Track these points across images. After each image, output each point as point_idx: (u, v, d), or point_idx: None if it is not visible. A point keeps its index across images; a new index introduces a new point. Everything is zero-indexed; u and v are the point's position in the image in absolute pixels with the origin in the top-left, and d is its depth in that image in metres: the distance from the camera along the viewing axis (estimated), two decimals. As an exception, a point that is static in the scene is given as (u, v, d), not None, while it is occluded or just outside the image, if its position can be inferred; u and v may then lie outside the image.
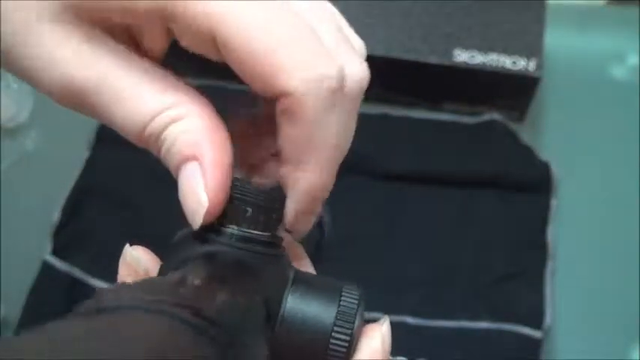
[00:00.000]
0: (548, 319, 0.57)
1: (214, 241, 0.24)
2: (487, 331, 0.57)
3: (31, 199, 0.64)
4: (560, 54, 0.68)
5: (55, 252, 0.60)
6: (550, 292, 0.59)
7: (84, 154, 0.65)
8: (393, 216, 0.63)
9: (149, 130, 0.23)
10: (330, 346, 0.24)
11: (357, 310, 0.25)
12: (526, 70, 0.62)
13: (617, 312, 0.59)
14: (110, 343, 0.16)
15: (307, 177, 0.24)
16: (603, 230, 0.62)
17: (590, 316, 0.59)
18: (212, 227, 0.24)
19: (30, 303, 0.58)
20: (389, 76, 0.64)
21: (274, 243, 0.25)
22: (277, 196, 0.25)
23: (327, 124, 0.23)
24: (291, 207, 0.25)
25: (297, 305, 0.24)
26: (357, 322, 0.24)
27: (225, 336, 0.19)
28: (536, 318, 0.57)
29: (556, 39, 0.66)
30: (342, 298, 0.25)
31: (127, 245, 0.26)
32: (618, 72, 0.69)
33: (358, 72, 0.24)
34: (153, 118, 0.23)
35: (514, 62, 0.62)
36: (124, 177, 0.64)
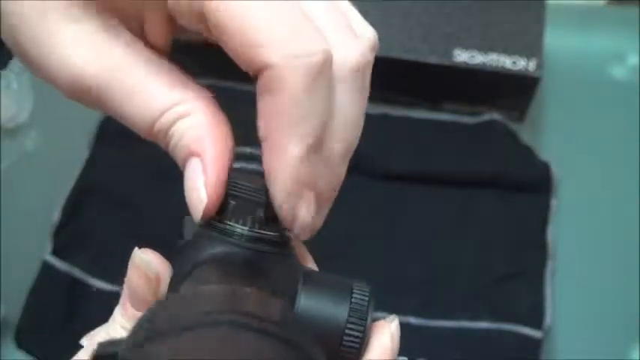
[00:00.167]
0: (548, 319, 0.57)
1: (225, 242, 0.24)
2: (487, 331, 0.57)
3: (31, 199, 0.64)
4: (560, 54, 0.68)
5: (55, 252, 0.60)
6: (550, 292, 0.59)
7: (84, 153, 0.65)
8: (393, 216, 0.63)
9: (158, 125, 0.23)
10: (344, 343, 0.24)
11: (368, 307, 0.25)
12: (526, 70, 0.62)
13: (617, 312, 0.59)
14: None
15: (287, 159, 0.23)
16: (603, 230, 0.62)
17: (590, 316, 0.59)
18: (222, 227, 0.24)
19: (30, 303, 0.58)
20: (389, 76, 0.64)
21: (283, 242, 0.25)
22: None
23: (307, 102, 0.22)
24: (276, 194, 0.23)
25: (309, 303, 0.24)
26: (368, 319, 0.25)
27: (300, 342, 0.19)
28: (536, 318, 0.57)
29: (556, 39, 0.66)
30: (354, 295, 0.25)
31: (136, 249, 0.26)
32: (618, 72, 0.69)
33: (352, 54, 0.24)
34: (162, 114, 0.23)
35: (514, 62, 0.62)
36: (124, 177, 0.64)
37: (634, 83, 0.68)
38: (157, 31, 0.25)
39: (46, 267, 0.59)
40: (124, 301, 0.26)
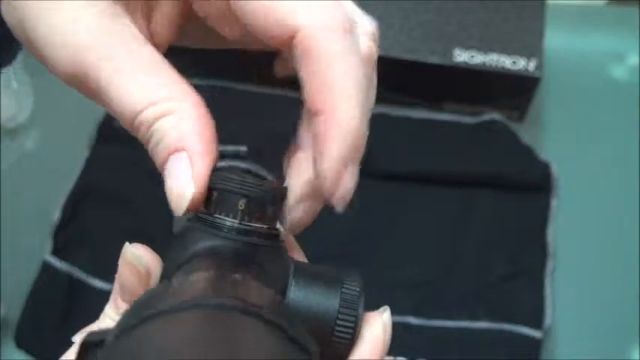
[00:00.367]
0: (548, 319, 0.57)
1: (215, 236, 0.24)
2: (487, 331, 0.57)
3: (31, 199, 0.64)
4: (560, 54, 0.68)
5: (55, 252, 0.60)
6: (550, 292, 0.58)
7: (84, 153, 0.65)
8: (393, 216, 0.63)
9: (140, 119, 0.24)
10: (335, 333, 0.24)
11: (359, 298, 0.25)
12: (526, 70, 0.62)
13: (617, 312, 0.59)
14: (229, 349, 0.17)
15: (340, 118, 0.23)
16: (603, 230, 0.62)
17: (590, 316, 0.59)
18: (212, 221, 0.24)
19: (30, 303, 0.58)
20: (389, 76, 0.63)
21: (273, 235, 0.25)
22: (275, 187, 0.25)
23: (344, 62, 0.23)
24: (332, 158, 0.23)
25: (301, 295, 0.25)
26: (360, 309, 0.25)
27: (289, 325, 0.19)
28: (536, 318, 0.57)
29: (556, 39, 0.66)
30: (344, 286, 0.25)
31: (127, 243, 0.26)
32: (618, 72, 0.69)
33: (367, 24, 0.25)
34: (145, 108, 0.23)
35: (514, 62, 0.62)
36: (124, 177, 0.64)
37: (634, 83, 0.68)
38: (163, 32, 0.25)
39: (46, 267, 0.59)
40: (115, 296, 0.26)
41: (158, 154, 0.24)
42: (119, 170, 0.64)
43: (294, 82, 0.24)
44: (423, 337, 0.57)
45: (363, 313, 0.25)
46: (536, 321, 0.57)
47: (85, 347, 0.18)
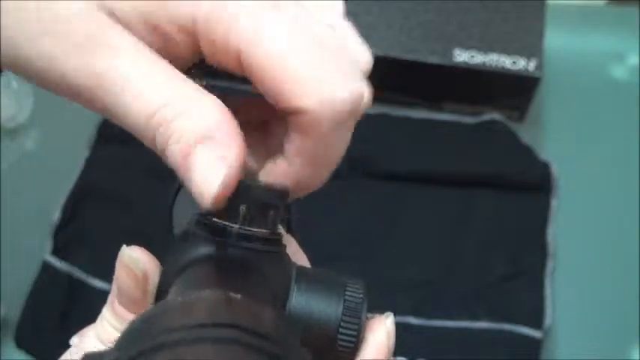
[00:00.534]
0: (548, 319, 0.57)
1: (215, 241, 0.24)
2: (487, 331, 0.57)
3: (31, 199, 0.64)
4: (560, 54, 0.68)
5: (55, 252, 0.60)
6: (550, 292, 0.59)
7: (84, 153, 0.65)
8: (393, 216, 0.63)
9: (157, 117, 0.22)
10: (339, 342, 0.24)
11: (362, 304, 0.25)
12: (526, 70, 0.62)
13: (617, 312, 0.59)
14: None
15: (308, 179, 0.25)
16: (603, 230, 0.62)
17: (591, 316, 0.59)
18: (212, 225, 0.24)
19: (30, 303, 0.58)
20: (389, 76, 0.64)
21: (275, 240, 0.25)
22: (276, 192, 0.25)
23: (334, 140, 0.24)
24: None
25: (303, 301, 0.24)
26: (363, 316, 0.24)
27: (289, 356, 0.19)
28: (536, 318, 0.57)
29: (556, 39, 0.66)
30: (347, 292, 0.25)
31: (124, 246, 0.26)
32: (618, 72, 0.69)
33: (367, 96, 0.26)
34: (164, 106, 0.23)
35: (514, 62, 0.62)
36: (124, 177, 0.64)
37: (634, 83, 0.68)
38: (175, 55, 0.25)
39: (46, 267, 0.59)
40: (113, 299, 0.26)
41: (176, 150, 0.22)
42: (119, 170, 0.64)
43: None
44: (423, 337, 0.57)
45: (367, 318, 0.25)
46: (536, 321, 0.57)
47: None
